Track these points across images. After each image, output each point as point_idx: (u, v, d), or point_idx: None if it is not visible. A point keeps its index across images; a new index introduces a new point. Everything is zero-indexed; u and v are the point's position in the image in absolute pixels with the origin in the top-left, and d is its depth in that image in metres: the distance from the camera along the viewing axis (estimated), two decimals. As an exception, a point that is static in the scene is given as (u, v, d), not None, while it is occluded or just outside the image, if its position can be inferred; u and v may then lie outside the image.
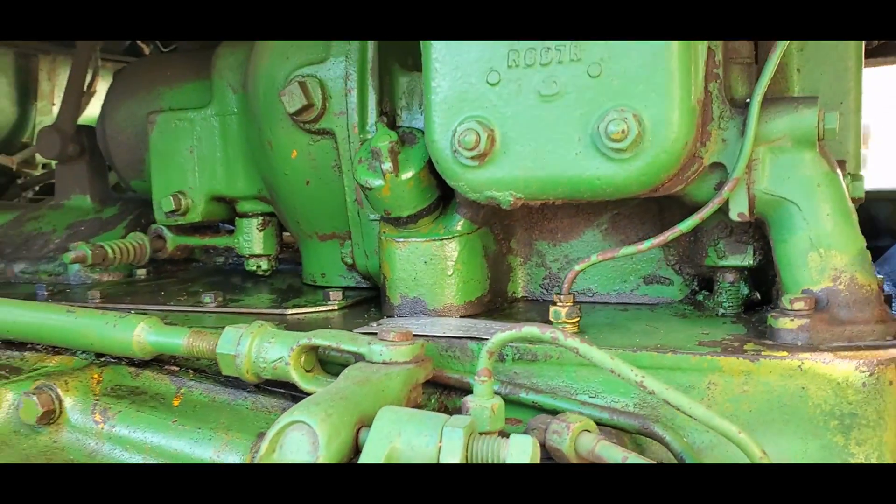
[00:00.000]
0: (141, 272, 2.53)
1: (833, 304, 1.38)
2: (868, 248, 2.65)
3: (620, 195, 1.43)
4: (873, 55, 2.44)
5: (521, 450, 1.07)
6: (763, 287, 1.67)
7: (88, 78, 3.35)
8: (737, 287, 1.62)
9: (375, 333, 1.40)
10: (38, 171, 3.73)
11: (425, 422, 1.10)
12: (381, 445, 1.09)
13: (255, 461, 1.12)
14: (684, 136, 1.36)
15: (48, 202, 2.98)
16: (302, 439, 1.10)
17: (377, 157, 1.64)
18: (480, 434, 1.12)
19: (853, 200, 1.51)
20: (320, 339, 1.41)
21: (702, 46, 1.38)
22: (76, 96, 2.93)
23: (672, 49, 1.34)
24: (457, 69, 1.47)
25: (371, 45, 1.86)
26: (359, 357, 1.39)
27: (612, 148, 1.36)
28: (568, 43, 1.38)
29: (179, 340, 1.53)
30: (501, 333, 1.22)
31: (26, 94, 3.65)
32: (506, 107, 1.45)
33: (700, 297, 1.72)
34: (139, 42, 3.51)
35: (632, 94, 1.35)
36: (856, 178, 1.56)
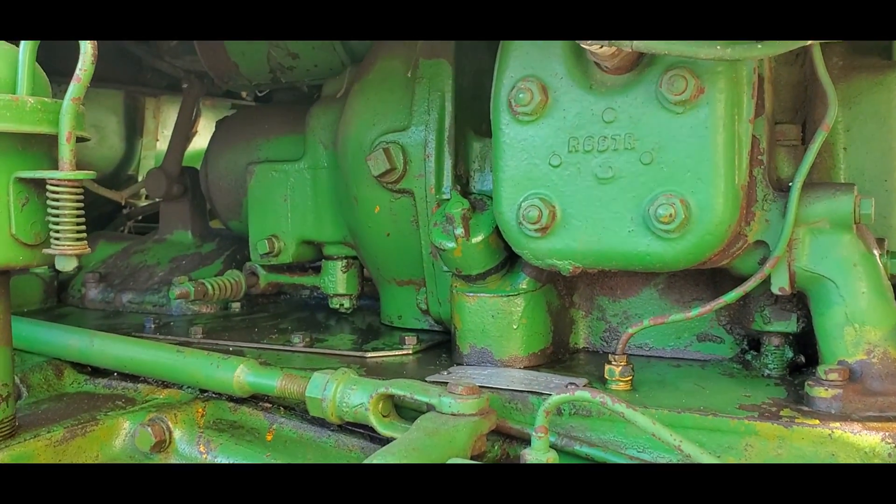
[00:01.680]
0: (235, 305, 2.78)
1: (866, 376, 1.49)
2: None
3: (669, 269, 1.58)
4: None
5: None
6: (809, 350, 1.78)
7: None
8: (782, 350, 1.74)
9: (446, 383, 1.58)
10: (142, 202, 4.05)
11: (486, 475, 1.27)
12: (446, 493, 1.26)
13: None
14: (728, 220, 1.50)
15: (152, 236, 3.25)
16: (379, 484, 1.28)
17: (451, 222, 1.82)
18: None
19: (891, 277, 1.62)
20: (397, 388, 1.60)
21: (746, 137, 1.52)
22: (181, 142, 3.22)
23: (718, 140, 1.48)
24: (523, 151, 1.65)
25: (448, 114, 2.05)
26: (430, 406, 1.57)
27: (661, 229, 1.51)
28: (623, 133, 1.54)
29: (273, 382, 1.74)
30: (557, 396, 1.39)
31: (133, 131, 3.96)
32: (566, 186, 1.62)
33: (749, 357, 1.84)
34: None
35: (680, 181, 1.51)
36: (894, 255, 1.66)
